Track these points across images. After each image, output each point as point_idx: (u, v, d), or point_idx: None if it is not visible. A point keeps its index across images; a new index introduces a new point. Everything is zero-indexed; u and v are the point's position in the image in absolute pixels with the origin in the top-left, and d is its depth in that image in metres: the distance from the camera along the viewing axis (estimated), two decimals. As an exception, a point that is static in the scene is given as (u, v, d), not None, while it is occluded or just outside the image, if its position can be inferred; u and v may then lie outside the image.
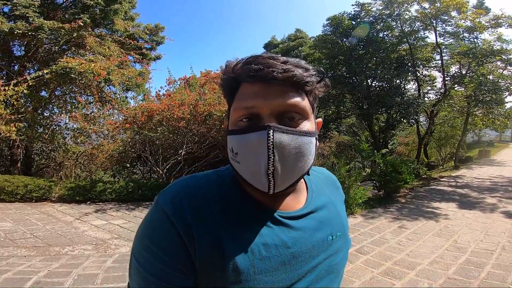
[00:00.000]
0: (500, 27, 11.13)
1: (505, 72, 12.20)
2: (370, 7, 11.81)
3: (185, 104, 6.92)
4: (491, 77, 12.06)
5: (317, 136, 0.57)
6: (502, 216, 5.50)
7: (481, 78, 11.15)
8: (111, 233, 4.48)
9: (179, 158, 7.32)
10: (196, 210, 0.53)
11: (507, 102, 13.75)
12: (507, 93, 12.35)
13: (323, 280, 0.59)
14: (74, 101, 8.07)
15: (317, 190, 0.67)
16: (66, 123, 8.28)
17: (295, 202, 0.61)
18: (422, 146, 12.56)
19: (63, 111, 7.98)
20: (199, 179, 0.59)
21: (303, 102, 0.53)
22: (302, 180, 0.64)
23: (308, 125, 0.54)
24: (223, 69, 0.58)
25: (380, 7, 11.69)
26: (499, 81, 11.83)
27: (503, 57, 11.07)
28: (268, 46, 22.62)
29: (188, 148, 7.38)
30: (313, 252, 0.58)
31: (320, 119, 0.63)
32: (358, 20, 11.59)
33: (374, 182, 7.47)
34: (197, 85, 8.42)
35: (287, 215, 0.58)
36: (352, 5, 11.89)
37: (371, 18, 11.73)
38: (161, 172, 7.35)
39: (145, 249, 0.52)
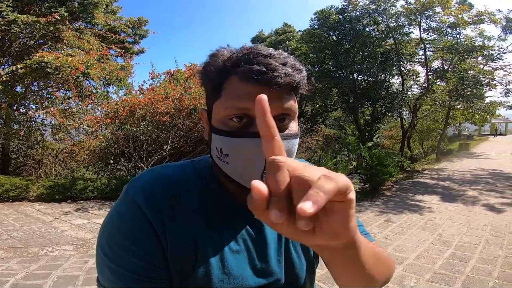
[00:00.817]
0: (483, 23, 11.42)
1: (485, 68, 12.54)
2: (357, 2, 11.91)
3: (169, 98, 6.77)
4: (471, 72, 12.39)
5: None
6: (484, 208, 5.65)
7: (462, 73, 11.47)
8: (93, 233, 4.34)
9: (164, 154, 7.17)
10: (171, 201, 0.52)
11: (486, 97, 14.20)
12: (487, 88, 12.75)
13: (297, 278, 0.60)
14: (51, 96, 7.75)
15: None
16: (43, 119, 7.96)
17: None
18: (406, 139, 12.82)
19: (40, 107, 7.66)
20: (174, 169, 0.57)
21: (295, 104, 0.53)
22: None
23: (294, 126, 0.54)
24: (212, 58, 0.54)
25: (367, 2, 11.83)
26: (480, 76, 12.17)
27: (485, 52, 11.37)
28: (256, 40, 22.49)
29: (174, 143, 7.24)
30: (283, 249, 0.59)
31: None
32: (345, 14, 11.67)
33: (360, 175, 7.55)
34: (182, 78, 8.24)
35: None
36: None
37: (358, 13, 11.85)
38: (145, 168, 7.19)
39: (115, 243, 0.49)
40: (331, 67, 11.75)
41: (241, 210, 0.56)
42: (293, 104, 0.52)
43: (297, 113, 0.56)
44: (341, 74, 11.49)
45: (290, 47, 14.43)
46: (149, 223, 0.49)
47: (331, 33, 11.75)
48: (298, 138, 0.56)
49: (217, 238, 0.52)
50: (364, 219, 4.97)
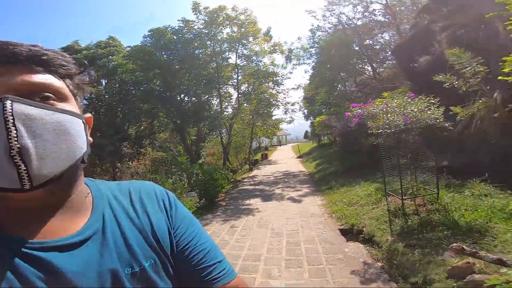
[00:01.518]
0: (275, 53, 15.20)
1: (273, 91, 16.52)
2: (193, 25, 12.79)
3: None
4: (265, 95, 15.99)
5: (86, 125, 0.53)
6: (289, 202, 7.30)
7: (261, 95, 14.57)
8: None
9: None
10: None
11: (274, 115, 18.65)
12: (274, 107, 16.86)
13: None
14: None
15: (113, 207, 0.55)
16: None
17: (68, 223, 0.48)
18: (225, 154, 14.63)
19: None
20: None
21: (58, 83, 0.49)
22: (86, 196, 0.54)
23: (68, 107, 0.49)
24: None
25: (201, 26, 12.95)
26: (270, 98, 15.90)
27: (274, 78, 15.06)
28: (66, 50, 18.17)
29: None
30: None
31: (90, 115, 0.58)
32: (180, 35, 12.20)
33: (197, 192, 7.96)
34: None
35: (49, 244, 0.44)
36: (178, 20, 12.56)
37: (191, 35, 12.71)
38: None
39: None
40: (159, 87, 11.76)
41: (9, 245, 0.42)
42: (53, 83, 0.48)
43: (72, 99, 0.52)
44: (169, 95, 11.71)
45: (113, 62, 13.07)
46: None
47: (163, 53, 11.87)
48: (82, 121, 0.51)
49: None
50: (214, 230, 5.29)
